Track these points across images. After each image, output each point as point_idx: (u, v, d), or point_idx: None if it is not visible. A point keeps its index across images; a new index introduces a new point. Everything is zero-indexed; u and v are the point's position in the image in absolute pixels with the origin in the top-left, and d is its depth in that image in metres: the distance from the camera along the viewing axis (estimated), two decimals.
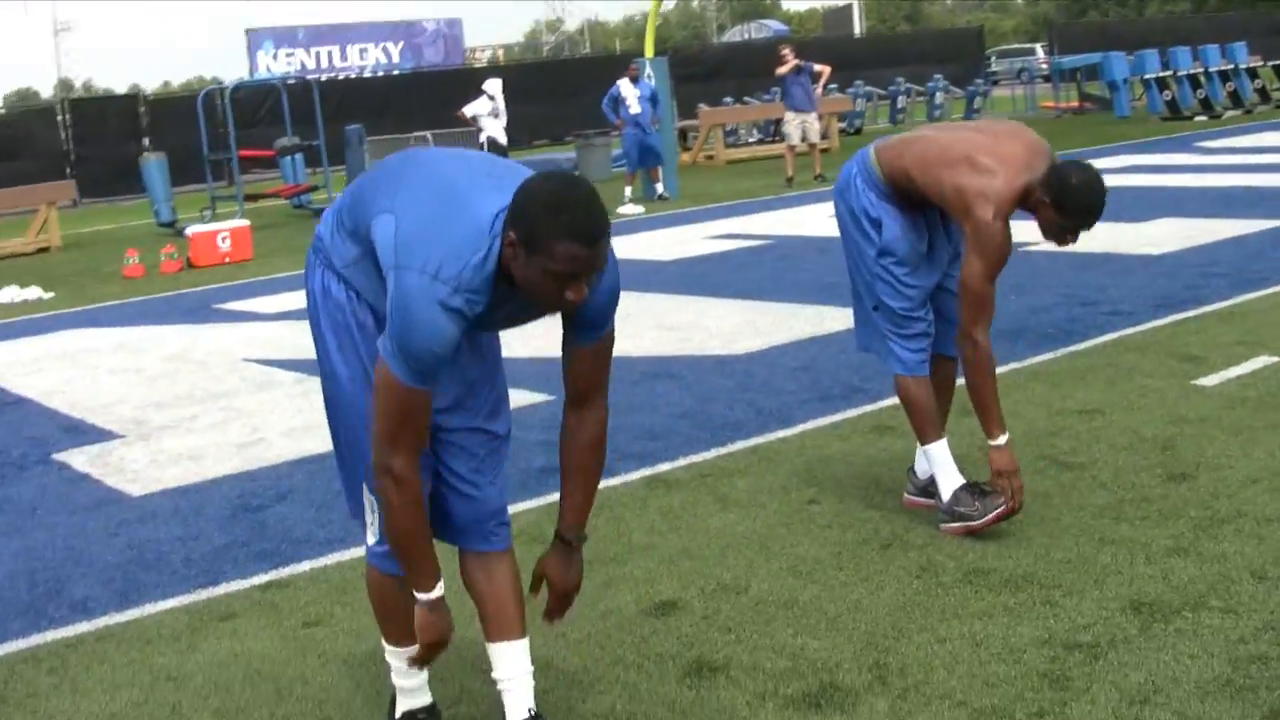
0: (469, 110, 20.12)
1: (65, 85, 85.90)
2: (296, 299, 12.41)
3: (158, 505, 6.65)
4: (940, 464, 5.11)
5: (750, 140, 28.34)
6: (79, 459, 7.70)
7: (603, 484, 5.79)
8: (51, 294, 15.62)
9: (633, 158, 19.13)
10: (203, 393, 9.11)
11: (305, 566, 5.51)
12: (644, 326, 9.79)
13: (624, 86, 19.16)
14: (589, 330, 3.31)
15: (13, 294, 15.32)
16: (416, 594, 3.37)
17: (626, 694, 4.06)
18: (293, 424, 7.87)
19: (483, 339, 3.53)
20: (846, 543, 5.10)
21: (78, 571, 5.79)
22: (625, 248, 14.39)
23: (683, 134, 29.16)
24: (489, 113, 19.72)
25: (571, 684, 4.12)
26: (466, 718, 3.97)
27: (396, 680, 3.78)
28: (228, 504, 6.53)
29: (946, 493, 5.05)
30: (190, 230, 17.92)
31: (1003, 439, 4.89)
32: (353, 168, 25.23)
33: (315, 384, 3.43)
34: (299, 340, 8.80)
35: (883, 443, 6.31)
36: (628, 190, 18.74)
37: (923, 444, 5.16)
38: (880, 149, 5.14)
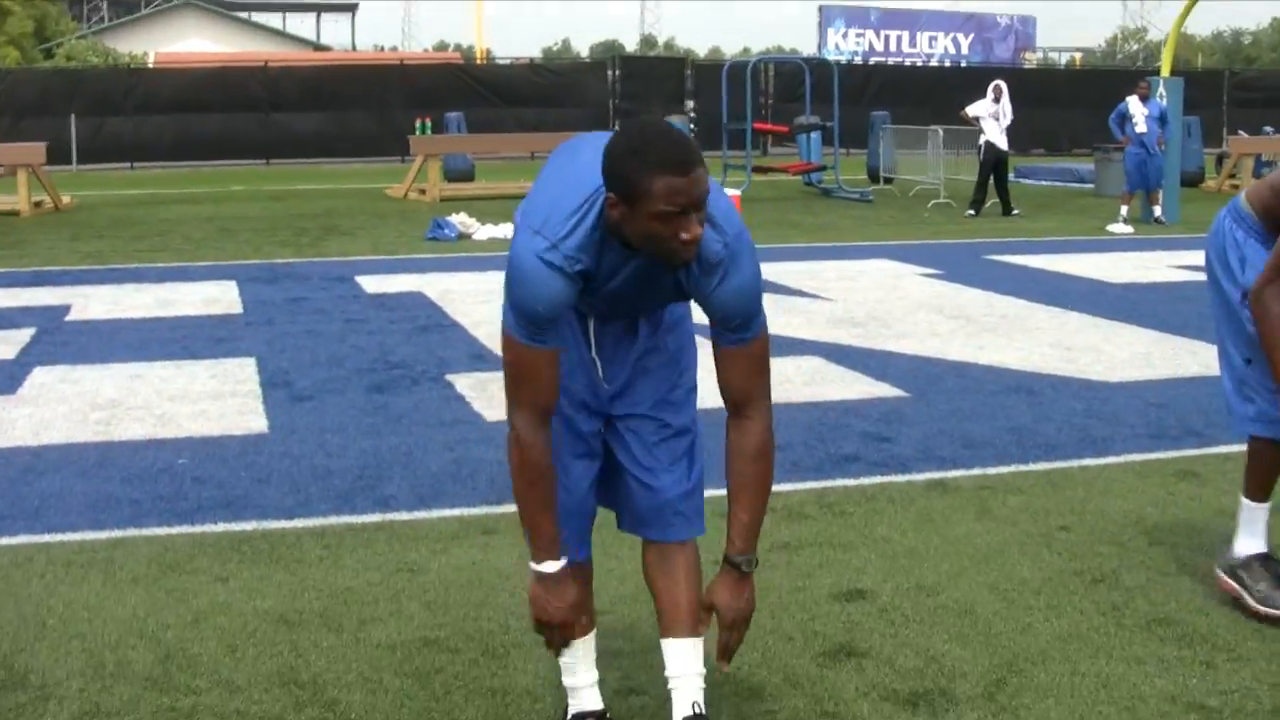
0: (971, 110, 20.09)
1: (648, 42, 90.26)
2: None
3: (500, 430, 7.28)
4: (1251, 524, 4.86)
5: None
6: (464, 382, 8.48)
7: (887, 479, 6.10)
8: None
9: (1133, 177, 18.66)
10: None
11: None
12: (1042, 342, 9.78)
13: (1132, 104, 18.70)
14: (728, 332, 3.26)
15: (507, 230, 16.58)
16: (531, 564, 3.39)
17: (762, 661, 4.33)
18: None
19: (663, 330, 3.56)
20: (1062, 571, 5.15)
21: (398, 473, 6.50)
22: (1082, 266, 14.20)
23: (1219, 160, 28.06)
24: (990, 114, 19.61)
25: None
26: (639, 709, 4.13)
27: (565, 680, 3.69)
28: None
29: (1241, 551, 4.85)
30: None
31: None
32: (872, 151, 25.66)
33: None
34: None
35: (1178, 487, 6.22)
36: (1123, 210, 18.31)
37: (1246, 497, 4.89)
38: (1249, 189, 4.94)
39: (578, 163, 3.30)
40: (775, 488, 5.92)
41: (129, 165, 33.41)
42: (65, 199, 21.66)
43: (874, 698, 4.06)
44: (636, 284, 3.28)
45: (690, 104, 35.23)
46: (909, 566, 5.20)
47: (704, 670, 3.52)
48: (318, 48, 66.27)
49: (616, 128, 3.19)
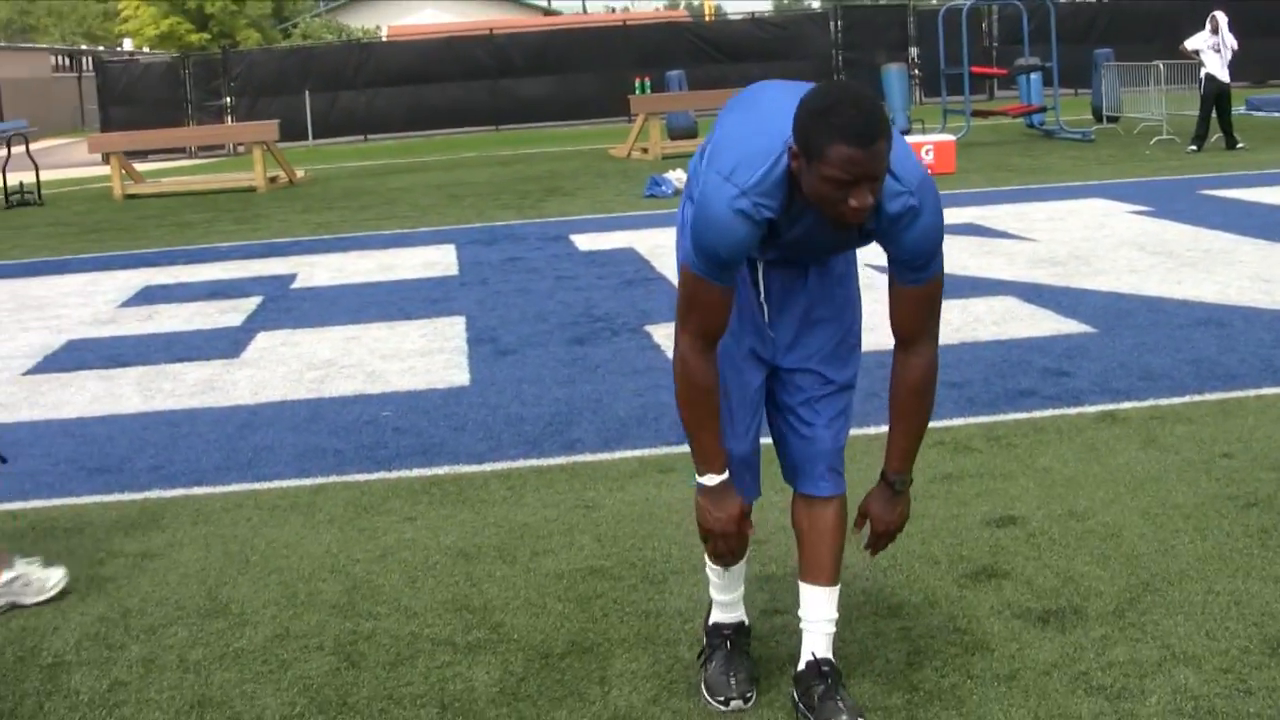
0: (1189, 44, 19.60)
1: None
2: (955, 215, 13.03)
3: None
4: None
5: None
6: (662, 332, 8.78)
7: (1059, 411, 6.24)
8: None
9: None
10: None
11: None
12: (1242, 275, 9.67)
13: None
14: (907, 271, 3.34)
15: None
16: (697, 478, 3.52)
17: (905, 582, 4.55)
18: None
19: (832, 282, 3.66)
20: (1216, 496, 5.22)
21: (587, 418, 6.84)
22: None
23: None
24: (1210, 46, 19.12)
25: (872, 564, 4.60)
26: (780, 627, 4.50)
27: (712, 593, 3.89)
28: None
29: None
30: None
31: None
32: (1095, 90, 25.17)
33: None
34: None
35: None
36: None
37: None
38: None
39: (768, 109, 3.37)
40: (946, 422, 6.20)
41: (362, 138, 34.55)
42: (299, 173, 22.59)
43: (1006, 615, 4.24)
44: (820, 230, 3.33)
45: (914, 51, 34.88)
46: (1064, 494, 5.34)
47: (835, 616, 3.73)
48: (548, 13, 67.17)
49: (812, 90, 3.20)
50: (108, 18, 52.42)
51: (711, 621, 3.92)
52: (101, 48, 41.84)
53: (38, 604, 4.74)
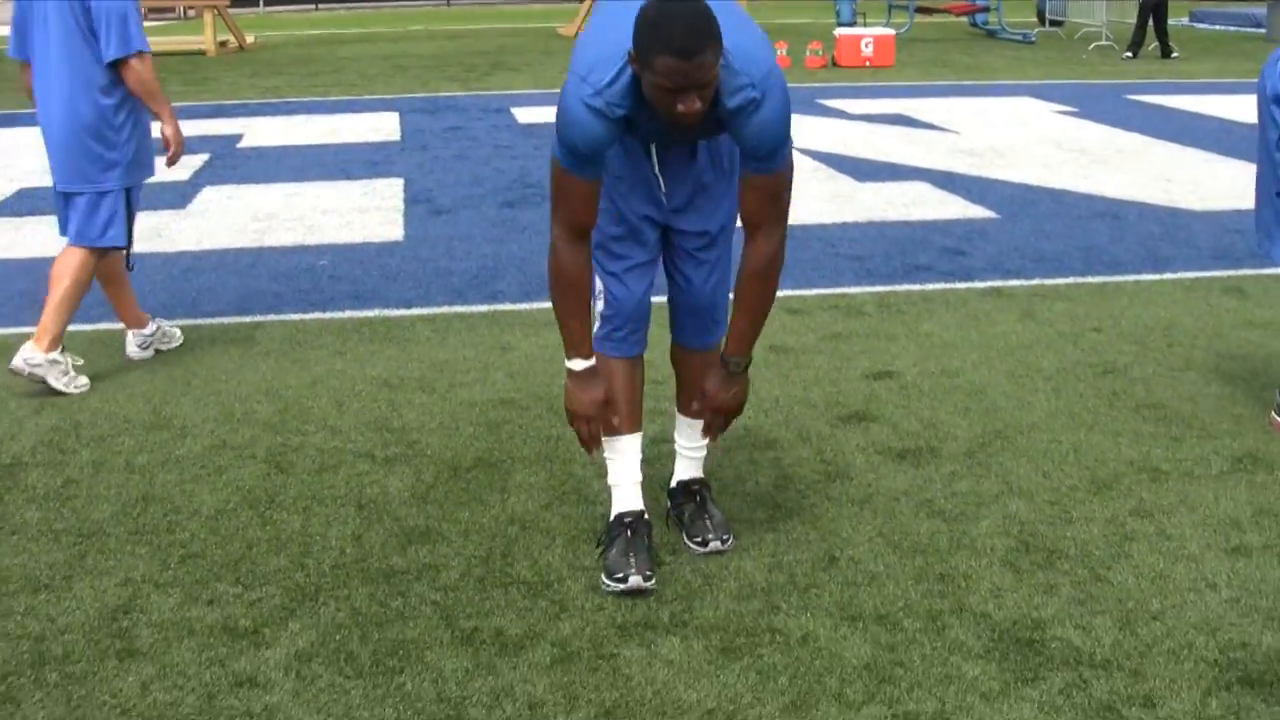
0: None
1: None
2: (885, 105, 13.47)
3: None
4: None
5: None
6: None
7: (949, 285, 6.72)
8: None
9: None
10: None
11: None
12: (1147, 174, 10.16)
13: None
14: (752, 160, 3.52)
15: None
16: (566, 363, 3.75)
17: (783, 422, 5.05)
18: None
19: (721, 152, 3.81)
20: (1078, 363, 5.74)
21: (511, 273, 7.31)
22: (1221, 106, 14.27)
23: None
24: None
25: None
26: (667, 454, 4.85)
27: (610, 479, 4.00)
28: None
29: None
30: (838, 32, 19.18)
31: None
32: None
33: None
34: (865, 138, 9.84)
35: (1219, 300, 6.71)
36: None
37: None
38: None
39: (625, 8, 3.56)
40: (842, 290, 6.68)
41: (313, 6, 34.54)
42: (249, 39, 22.73)
43: (870, 452, 4.75)
44: (665, 125, 3.49)
45: None
46: (940, 355, 5.84)
47: (704, 444, 4.11)
48: None
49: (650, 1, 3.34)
50: None
51: (613, 514, 3.96)
52: None
53: (66, 394, 5.45)
